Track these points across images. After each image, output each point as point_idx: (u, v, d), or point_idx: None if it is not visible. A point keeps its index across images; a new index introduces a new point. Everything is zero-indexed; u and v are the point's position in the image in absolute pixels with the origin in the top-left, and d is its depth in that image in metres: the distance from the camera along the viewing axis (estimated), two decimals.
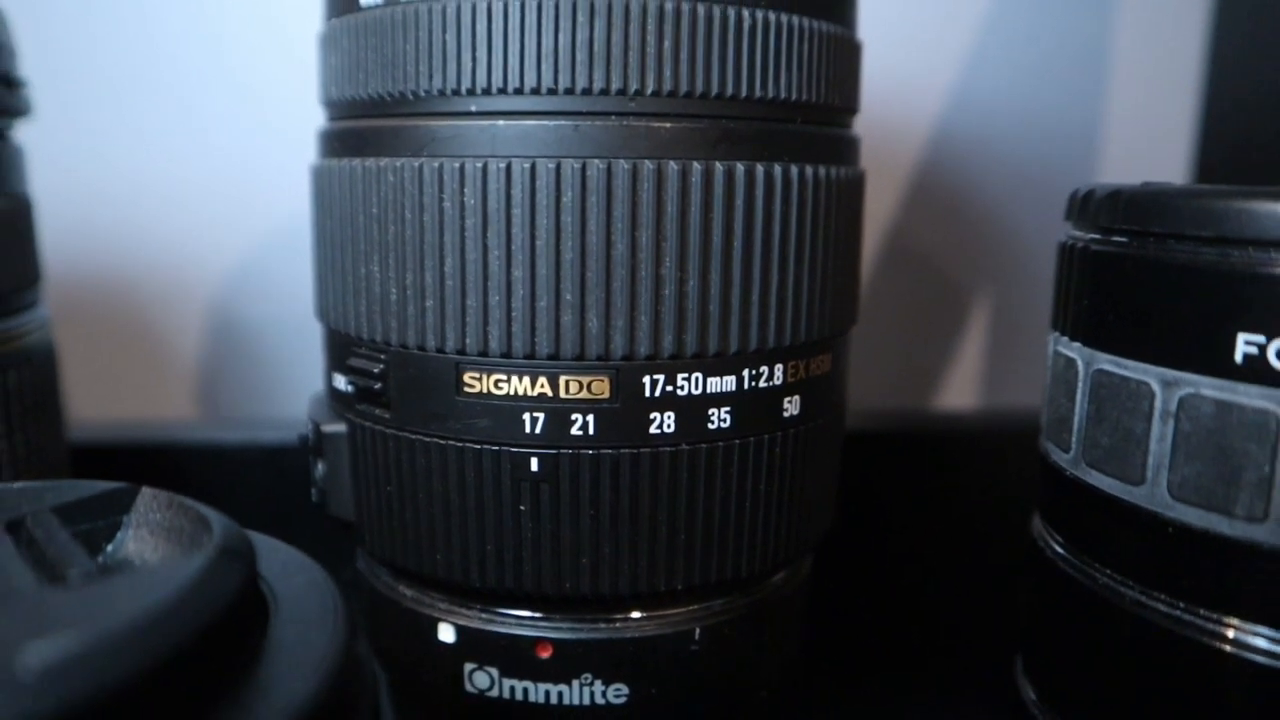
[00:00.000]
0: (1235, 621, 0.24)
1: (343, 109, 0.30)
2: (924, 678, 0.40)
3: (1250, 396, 0.22)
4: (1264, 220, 0.22)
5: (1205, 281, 0.23)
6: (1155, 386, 0.24)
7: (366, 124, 0.28)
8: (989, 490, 0.45)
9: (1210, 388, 0.23)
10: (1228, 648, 0.24)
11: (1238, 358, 0.22)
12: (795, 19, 0.27)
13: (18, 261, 0.33)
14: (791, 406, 0.29)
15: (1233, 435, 0.23)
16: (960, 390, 0.57)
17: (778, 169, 0.27)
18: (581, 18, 0.25)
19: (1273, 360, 0.22)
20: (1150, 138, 0.56)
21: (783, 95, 0.27)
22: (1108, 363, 0.26)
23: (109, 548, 0.22)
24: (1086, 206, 0.27)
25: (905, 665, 0.41)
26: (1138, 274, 0.25)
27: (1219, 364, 0.23)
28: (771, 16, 0.27)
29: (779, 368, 0.29)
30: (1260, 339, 0.22)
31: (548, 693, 0.29)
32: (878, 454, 0.47)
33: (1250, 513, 0.23)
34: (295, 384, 0.54)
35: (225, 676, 0.17)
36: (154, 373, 0.54)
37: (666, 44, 0.26)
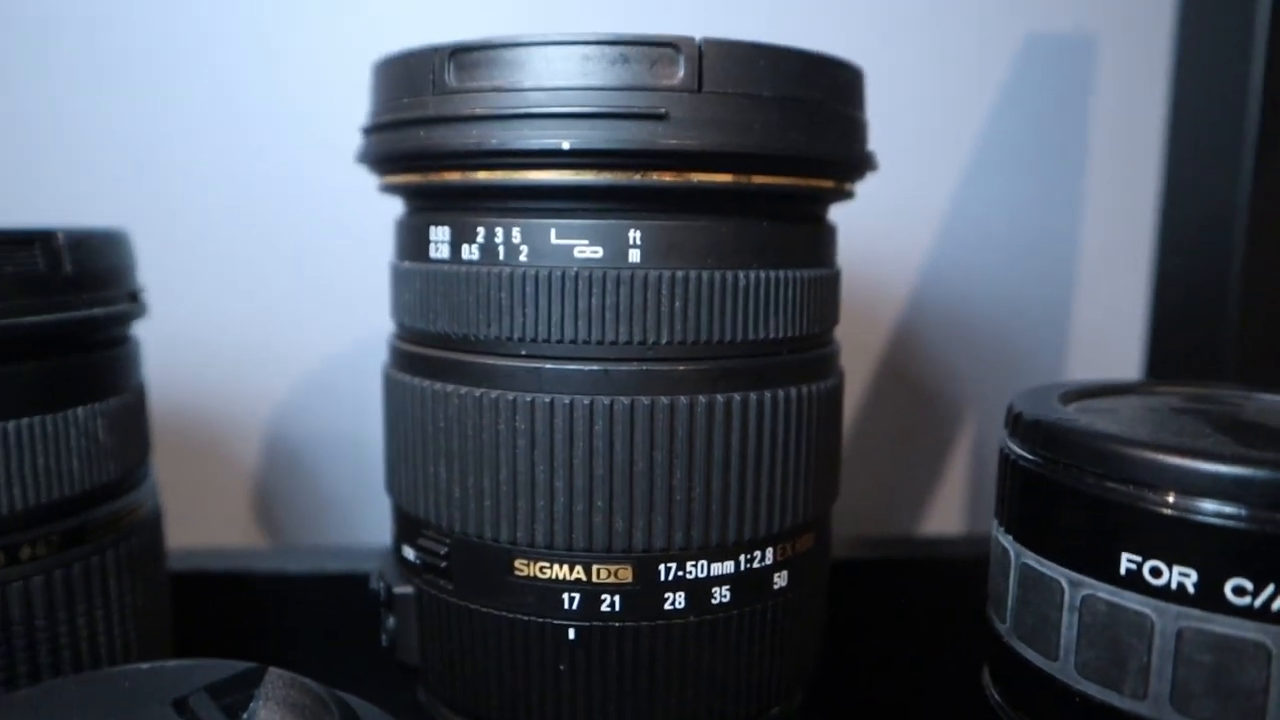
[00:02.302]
0: None
1: (414, 336, 0.36)
2: None
3: (1132, 601, 0.28)
4: (1138, 466, 0.28)
5: (1098, 507, 0.29)
6: (1064, 584, 0.30)
7: (434, 353, 0.35)
8: (967, 610, 0.51)
9: (1103, 591, 0.29)
10: None
11: (1122, 571, 0.29)
12: (781, 273, 0.34)
13: (134, 444, 0.40)
14: (780, 579, 0.36)
15: (1120, 630, 0.29)
16: (944, 517, 0.64)
17: (767, 395, 0.34)
18: (610, 285, 0.32)
19: (1147, 576, 0.28)
20: (1107, 306, 0.63)
21: (771, 335, 0.34)
22: (1031, 559, 0.32)
23: (245, 717, 0.28)
24: (1016, 426, 0.33)
25: None
26: (1051, 492, 0.31)
27: (1109, 573, 0.29)
28: (761, 274, 0.33)
29: (770, 550, 0.35)
30: (1138, 558, 0.28)
31: None
32: (865, 579, 0.53)
33: (1134, 692, 0.29)
34: (349, 506, 0.61)
35: None
36: (215, 497, 0.61)
37: (677, 304, 0.32)
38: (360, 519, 0.61)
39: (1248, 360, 0.51)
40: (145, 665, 0.29)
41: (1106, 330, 0.63)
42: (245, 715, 0.28)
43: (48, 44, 0.57)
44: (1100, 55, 0.62)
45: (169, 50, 0.57)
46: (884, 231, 0.61)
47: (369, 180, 0.39)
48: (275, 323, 0.59)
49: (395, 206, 0.40)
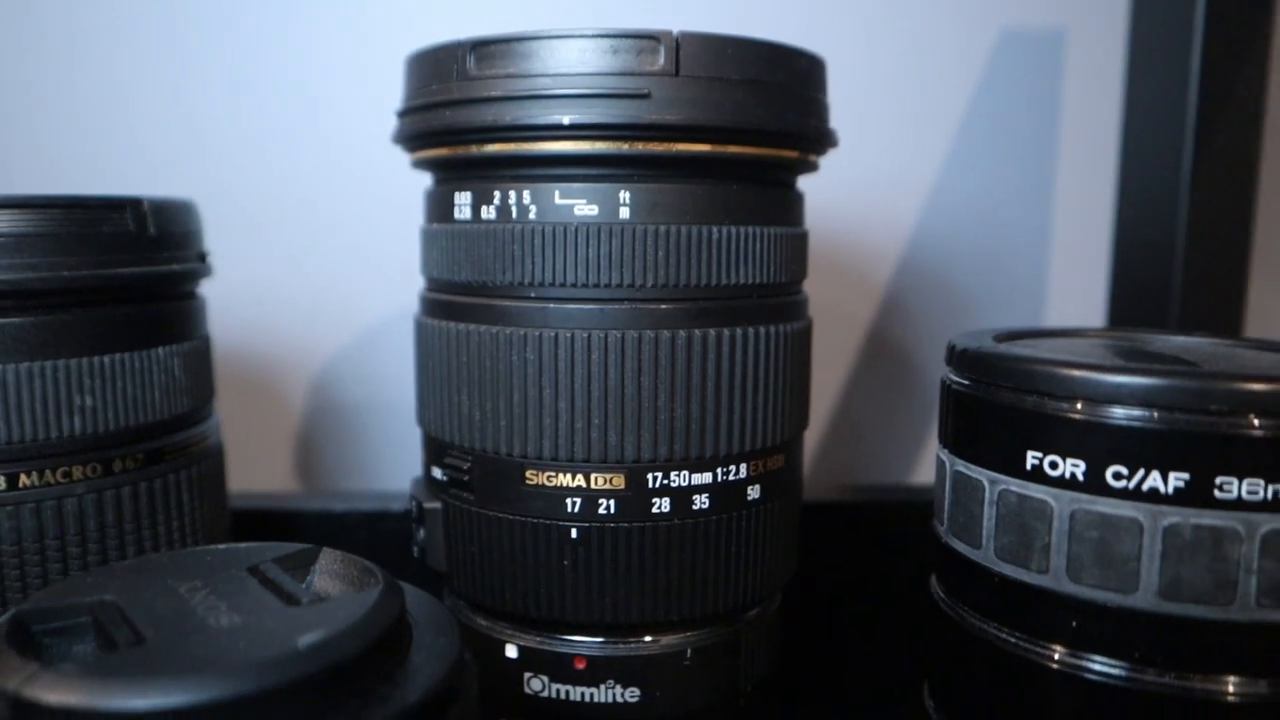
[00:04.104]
0: (1052, 645, 0.35)
1: (440, 285, 0.43)
2: (864, 693, 0.52)
3: (1035, 491, 0.34)
4: (1040, 377, 0.34)
5: (1009, 415, 0.35)
6: (985, 483, 0.36)
7: (458, 299, 0.41)
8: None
9: (1014, 485, 0.35)
10: (1053, 665, 0.35)
11: (1028, 466, 0.34)
12: (751, 229, 0.40)
13: (203, 384, 0.46)
14: (753, 492, 0.42)
15: (1027, 516, 0.35)
16: (930, 469, 0.70)
17: (739, 331, 0.40)
18: (604, 238, 0.38)
19: (1047, 469, 0.34)
20: (1075, 268, 0.69)
21: (743, 281, 0.40)
22: (961, 465, 0.38)
23: (303, 584, 0.34)
24: (951, 357, 0.39)
25: (851, 682, 0.53)
26: (976, 407, 0.37)
27: (1018, 470, 0.35)
28: (734, 230, 0.39)
29: (744, 465, 0.41)
30: (1040, 454, 0.34)
31: (583, 694, 0.41)
32: (849, 520, 0.59)
33: (1039, 567, 0.34)
34: (381, 459, 0.68)
35: (392, 664, 0.29)
36: (260, 446, 0.68)
37: (660, 253, 0.38)
38: (389, 468, 0.68)
39: (1190, 310, 0.57)
40: (222, 546, 0.35)
41: (1075, 290, 0.69)
42: (306, 581, 0.34)
43: (129, 37, 0.64)
44: (1067, 47, 0.67)
45: (238, 43, 0.64)
46: (871, 205, 0.67)
47: (405, 165, 0.46)
48: (319, 293, 0.66)
49: (423, 185, 0.46)
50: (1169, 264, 0.58)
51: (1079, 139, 0.68)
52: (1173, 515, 0.32)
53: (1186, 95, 0.57)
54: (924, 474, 0.71)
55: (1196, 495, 0.31)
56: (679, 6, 0.65)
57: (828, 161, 0.44)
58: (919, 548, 0.55)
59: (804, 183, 0.45)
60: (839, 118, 0.44)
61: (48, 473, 0.39)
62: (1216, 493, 0.31)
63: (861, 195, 0.67)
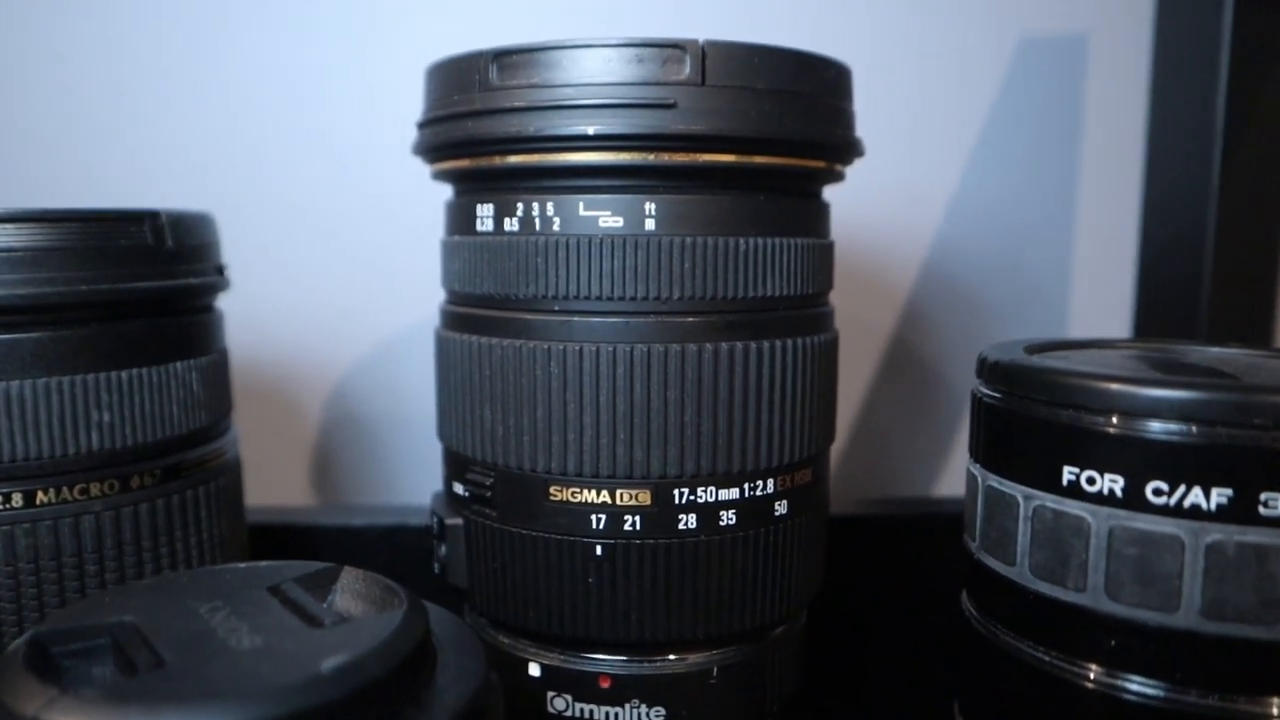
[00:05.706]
0: (1088, 664, 0.34)
1: (461, 298, 0.42)
2: (892, 711, 0.51)
3: (1072, 508, 0.33)
4: (1077, 391, 0.33)
5: (1045, 429, 0.34)
6: (1020, 498, 0.35)
7: (480, 312, 0.41)
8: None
9: (1050, 501, 0.34)
10: (1089, 685, 0.35)
11: (1064, 482, 0.34)
12: (777, 240, 0.39)
13: (221, 398, 0.46)
14: (781, 508, 0.41)
15: (1063, 533, 0.34)
16: (955, 480, 0.69)
17: (765, 344, 0.39)
18: (629, 250, 0.37)
19: (1084, 485, 0.33)
20: (1101, 279, 0.68)
21: (769, 293, 0.39)
22: (994, 480, 0.37)
23: (325, 604, 0.34)
24: (982, 369, 0.38)
25: (878, 700, 0.52)
26: (1010, 421, 0.36)
27: (1054, 485, 0.34)
28: (759, 241, 0.39)
29: (770, 480, 0.40)
30: (1077, 469, 0.33)
31: (607, 713, 0.41)
32: (874, 534, 0.58)
33: (1076, 585, 0.34)
34: (400, 473, 0.67)
35: (417, 685, 0.29)
36: (277, 460, 0.67)
37: (686, 266, 0.38)
38: (407, 483, 0.67)
39: (1219, 320, 0.56)
40: (243, 564, 0.35)
41: (1099, 300, 0.68)
42: (327, 601, 0.34)
43: (144, 51, 0.64)
44: (1090, 52, 0.67)
45: (254, 56, 0.64)
46: (892, 214, 0.66)
47: (423, 177, 0.45)
48: (337, 306, 0.66)
49: (440, 197, 0.45)
50: (1197, 273, 0.58)
51: (1102, 146, 0.67)
52: (1215, 532, 0.31)
53: (1214, 100, 0.56)
54: (949, 486, 0.70)
55: (1240, 512, 0.30)
56: (695, 15, 0.64)
57: (849, 170, 0.44)
58: (946, 562, 0.54)
59: (826, 192, 0.44)
60: (860, 126, 0.43)
61: (65, 489, 0.38)
62: (1261, 509, 0.30)
63: (883, 204, 0.66)
